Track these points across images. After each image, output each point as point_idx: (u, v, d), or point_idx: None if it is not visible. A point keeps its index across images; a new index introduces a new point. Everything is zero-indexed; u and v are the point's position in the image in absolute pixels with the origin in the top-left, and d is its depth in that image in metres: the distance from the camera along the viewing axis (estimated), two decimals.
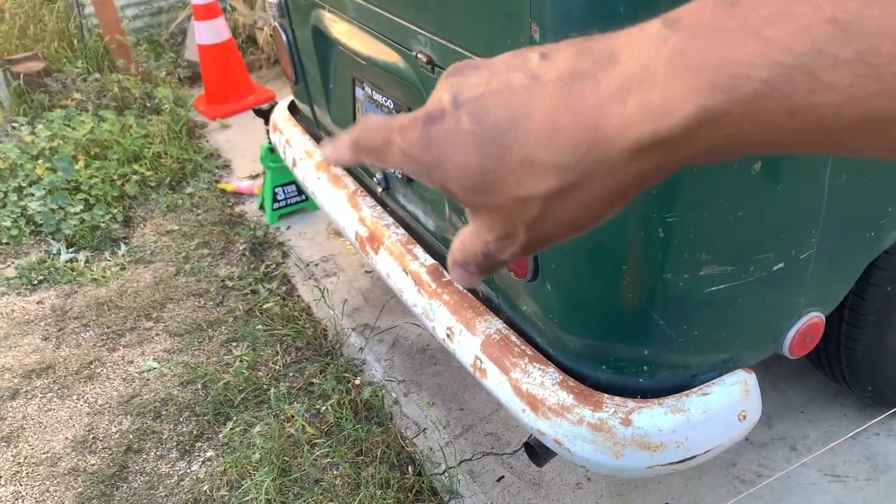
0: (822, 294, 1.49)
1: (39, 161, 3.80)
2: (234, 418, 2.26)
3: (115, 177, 3.75)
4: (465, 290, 1.75)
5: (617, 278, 1.34)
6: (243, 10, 5.21)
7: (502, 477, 1.96)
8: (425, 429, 2.14)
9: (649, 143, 0.33)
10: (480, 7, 1.32)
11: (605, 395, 1.39)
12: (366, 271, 2.91)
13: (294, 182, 3.23)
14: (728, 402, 1.40)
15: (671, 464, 1.36)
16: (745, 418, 1.41)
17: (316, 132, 2.53)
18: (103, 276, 3.09)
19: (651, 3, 1.09)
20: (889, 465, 1.84)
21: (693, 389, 1.39)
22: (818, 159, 1.32)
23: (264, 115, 3.05)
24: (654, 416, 1.35)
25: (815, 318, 1.50)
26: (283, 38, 2.38)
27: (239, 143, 4.14)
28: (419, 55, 1.55)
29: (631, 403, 1.37)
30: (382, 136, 0.41)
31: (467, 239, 0.42)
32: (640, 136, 0.33)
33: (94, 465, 2.19)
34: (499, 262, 0.42)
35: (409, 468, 2.01)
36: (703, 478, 1.86)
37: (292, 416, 2.23)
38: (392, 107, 1.88)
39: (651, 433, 1.34)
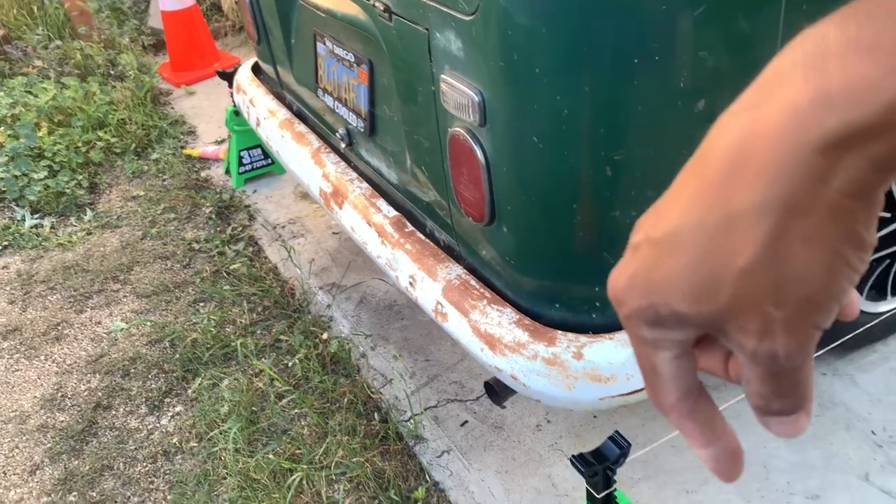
0: None
1: (1, 128, 3.76)
2: (203, 374, 2.29)
3: (80, 143, 3.72)
4: (426, 240, 1.79)
5: (569, 218, 1.38)
6: None
7: (466, 422, 2.02)
8: (391, 379, 2.19)
9: (840, 137, 0.29)
10: None
11: (559, 332, 1.44)
12: (333, 232, 2.93)
13: (260, 145, 3.24)
14: None
15: (621, 395, 1.42)
16: None
17: (279, 91, 2.54)
18: (69, 241, 3.08)
19: None
20: (835, 402, 1.93)
21: None
22: None
23: (228, 77, 3.04)
24: (604, 350, 1.40)
25: None
26: None
27: (204, 109, 4.12)
28: (376, 4, 1.57)
29: (583, 338, 1.43)
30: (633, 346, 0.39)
31: (745, 375, 0.35)
32: (827, 132, 0.29)
33: (63, 421, 2.22)
34: (788, 371, 0.34)
35: (376, 415, 2.06)
36: (658, 417, 1.93)
37: (260, 371, 2.26)
38: (353, 60, 1.90)
39: (602, 366, 1.40)
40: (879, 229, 1.86)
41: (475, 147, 1.40)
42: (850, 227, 0.31)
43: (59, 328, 2.60)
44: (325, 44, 2.05)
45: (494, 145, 1.37)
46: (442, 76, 1.42)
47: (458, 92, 1.38)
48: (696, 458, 1.82)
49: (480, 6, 1.24)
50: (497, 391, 1.65)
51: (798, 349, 0.33)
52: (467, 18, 1.29)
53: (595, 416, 1.98)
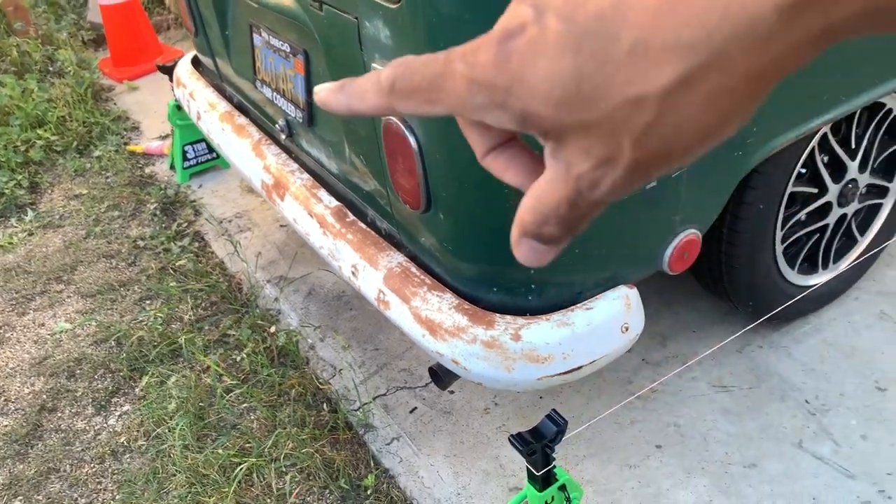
0: (696, 212, 1.60)
1: None
2: (150, 372, 2.27)
3: (19, 143, 3.64)
4: (367, 229, 1.80)
5: (501, 202, 1.40)
6: None
7: (415, 408, 2.03)
8: (341, 370, 2.20)
9: None
10: None
11: (497, 315, 1.47)
12: (280, 225, 2.92)
13: (204, 139, 3.20)
14: (610, 315, 1.49)
15: (559, 374, 1.45)
16: (627, 330, 1.51)
17: (219, 84, 2.51)
18: (10, 243, 3.01)
19: None
20: (770, 373, 1.99)
21: (578, 305, 1.48)
22: None
23: (169, 71, 3.00)
24: (541, 331, 1.43)
25: (691, 235, 1.60)
26: None
27: (148, 104, 4.05)
28: None
29: (520, 320, 1.45)
30: (432, 70, 0.33)
31: (543, 189, 0.33)
32: None
33: (6, 426, 2.18)
34: (589, 206, 0.32)
35: (325, 406, 2.07)
36: (602, 396, 1.97)
37: (208, 367, 2.25)
38: (289, 51, 1.89)
39: (539, 346, 1.42)
40: (809, 204, 1.92)
41: (408, 135, 1.41)
42: (753, 99, 0.29)
43: (1, 332, 2.55)
44: (261, 35, 2.03)
45: (426, 133, 1.38)
46: (373, 65, 1.43)
47: None
48: (637, 434, 1.87)
49: None
50: (441, 376, 1.67)
51: (622, 191, 0.32)
52: (393, 7, 1.29)
53: (541, 398, 2.01)
